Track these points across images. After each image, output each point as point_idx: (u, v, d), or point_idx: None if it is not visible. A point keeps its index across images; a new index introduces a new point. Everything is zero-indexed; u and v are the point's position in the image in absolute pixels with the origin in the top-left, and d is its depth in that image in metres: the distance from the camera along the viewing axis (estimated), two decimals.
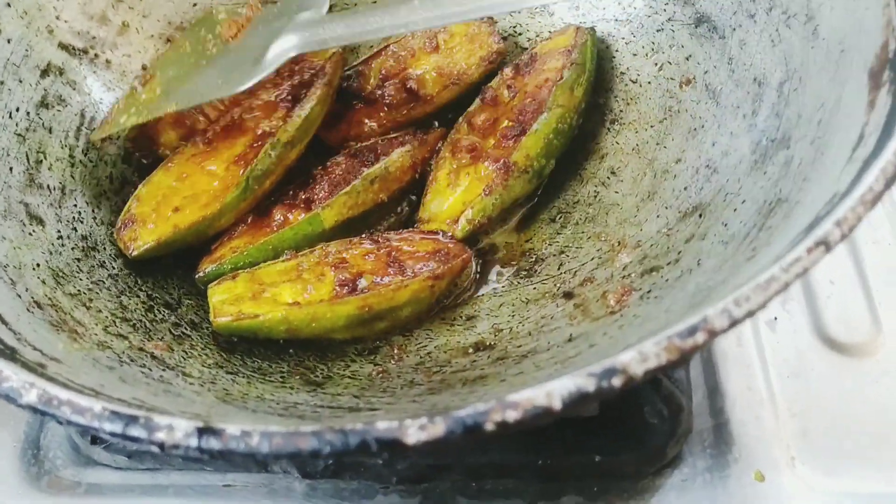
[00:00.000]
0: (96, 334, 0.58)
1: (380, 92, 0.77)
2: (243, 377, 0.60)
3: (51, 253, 0.64)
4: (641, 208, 0.67)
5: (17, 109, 0.69)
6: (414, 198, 0.74)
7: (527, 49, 0.80)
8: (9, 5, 0.70)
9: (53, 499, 0.67)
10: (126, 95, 0.75)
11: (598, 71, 0.76)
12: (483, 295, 0.69)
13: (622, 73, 0.75)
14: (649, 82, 0.73)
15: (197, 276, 0.69)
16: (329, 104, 0.74)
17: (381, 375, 0.61)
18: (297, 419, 0.51)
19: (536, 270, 0.69)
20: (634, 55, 0.75)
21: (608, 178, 0.72)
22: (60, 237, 0.65)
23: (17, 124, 0.68)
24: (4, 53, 0.69)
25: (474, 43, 0.79)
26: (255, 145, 0.71)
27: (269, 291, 0.64)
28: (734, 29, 0.66)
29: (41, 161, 0.68)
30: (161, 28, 0.79)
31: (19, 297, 0.57)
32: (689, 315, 0.41)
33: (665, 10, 0.73)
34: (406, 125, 0.77)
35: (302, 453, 0.39)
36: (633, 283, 0.61)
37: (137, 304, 0.65)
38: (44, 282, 0.60)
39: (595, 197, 0.72)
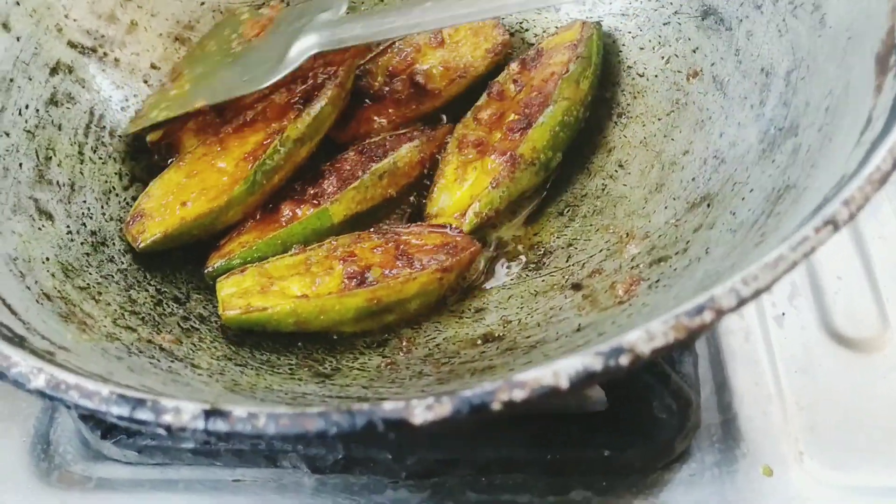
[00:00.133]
0: (105, 326, 0.58)
1: (387, 88, 0.78)
2: (252, 369, 0.60)
3: (60, 247, 0.64)
4: (649, 200, 0.67)
5: (27, 107, 0.69)
6: (422, 192, 0.74)
7: (533, 45, 0.80)
8: (18, 4, 0.71)
9: (63, 494, 0.67)
10: (157, 92, 0.77)
11: (605, 65, 0.76)
12: (492, 287, 0.69)
13: (629, 67, 0.75)
14: (656, 75, 0.73)
15: (206, 271, 0.69)
16: (341, 106, 0.74)
17: (389, 367, 0.61)
18: (304, 407, 0.51)
19: (545, 263, 0.69)
20: (641, 49, 0.75)
21: (616, 170, 0.72)
22: (70, 232, 0.66)
23: (26, 121, 0.69)
24: (14, 51, 0.70)
25: (479, 36, 0.79)
26: (265, 143, 0.71)
27: (277, 285, 0.64)
28: (741, 20, 0.66)
29: (51, 157, 0.69)
30: (169, 26, 0.80)
31: (28, 289, 0.57)
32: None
33: (671, 4, 0.73)
34: (414, 120, 0.77)
35: (308, 434, 0.39)
36: (641, 273, 0.61)
37: (146, 298, 0.65)
38: (53, 275, 0.60)
39: (603, 190, 0.72)
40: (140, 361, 0.55)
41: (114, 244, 0.68)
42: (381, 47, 0.80)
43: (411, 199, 0.74)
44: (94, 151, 0.72)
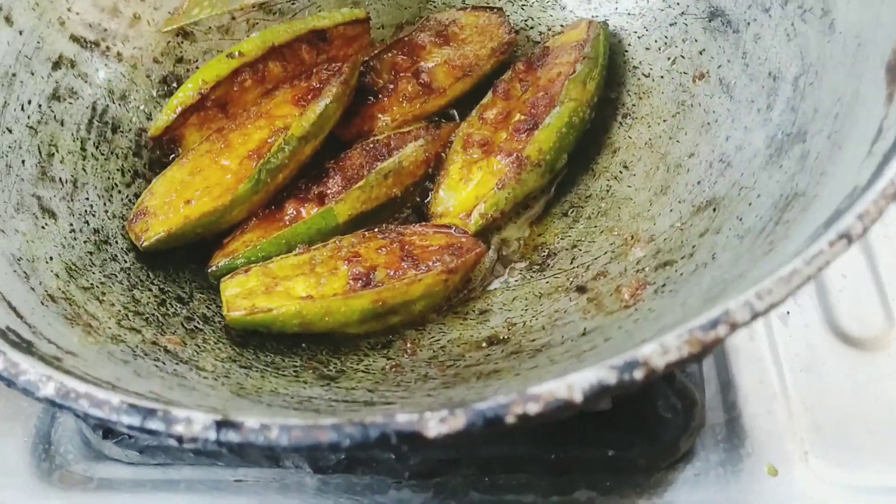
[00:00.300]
0: (110, 328, 0.58)
1: (392, 86, 0.77)
2: (257, 371, 0.59)
3: (63, 246, 0.63)
4: (654, 202, 0.67)
5: (30, 102, 0.69)
6: (427, 191, 0.74)
7: (539, 43, 0.80)
8: None
9: (65, 493, 0.67)
10: None
11: (611, 65, 0.76)
12: (496, 289, 0.69)
13: (635, 68, 0.75)
14: (662, 76, 0.73)
15: (209, 270, 0.69)
16: (346, 102, 0.74)
17: (394, 370, 0.61)
18: (313, 413, 0.51)
19: (549, 265, 0.69)
20: (647, 49, 0.75)
21: (621, 172, 0.72)
22: (73, 230, 0.65)
23: (28, 117, 0.68)
24: (16, 46, 0.69)
25: (485, 34, 0.79)
26: (269, 140, 0.70)
27: (282, 285, 0.64)
28: (748, 23, 0.66)
29: (53, 154, 0.68)
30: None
31: (33, 290, 0.57)
32: (706, 308, 0.41)
33: (678, 4, 0.73)
34: (419, 118, 0.77)
35: (321, 446, 0.39)
36: (647, 277, 0.60)
37: (150, 298, 0.65)
38: (57, 275, 0.60)
39: (608, 191, 0.72)
40: (146, 364, 0.54)
41: (117, 242, 0.68)
42: (387, 44, 0.80)
43: (416, 198, 0.74)
44: (97, 147, 0.72)
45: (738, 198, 0.59)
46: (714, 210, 0.61)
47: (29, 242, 0.61)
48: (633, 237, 0.66)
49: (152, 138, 0.74)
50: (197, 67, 0.78)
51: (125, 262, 0.67)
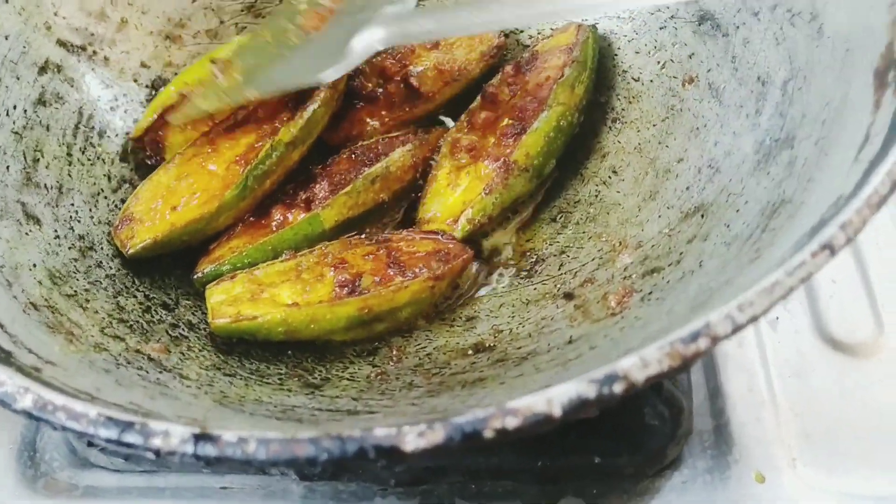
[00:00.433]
0: (93, 336, 0.58)
1: (381, 90, 0.77)
2: (241, 379, 0.59)
3: (47, 253, 0.63)
4: (643, 208, 0.67)
5: (15, 107, 0.68)
6: (414, 197, 0.73)
7: (528, 46, 0.79)
8: (6, 1, 0.69)
9: (50, 501, 0.66)
10: (204, 81, 0.74)
11: (600, 69, 0.75)
12: (483, 295, 0.68)
13: (624, 72, 0.75)
14: (651, 80, 0.73)
15: (195, 277, 0.68)
16: (334, 107, 0.73)
17: (379, 377, 0.61)
18: (294, 423, 0.51)
19: (537, 271, 0.69)
20: (637, 53, 0.74)
21: (609, 177, 0.72)
22: (57, 237, 0.65)
23: (14, 122, 0.68)
24: (2, 50, 0.69)
25: (474, 38, 0.78)
26: (257, 146, 0.70)
27: (267, 292, 0.64)
28: (738, 27, 0.66)
29: (38, 159, 0.68)
30: (160, 24, 0.78)
31: (15, 298, 0.56)
32: (692, 318, 0.41)
33: (668, 8, 0.72)
34: (408, 123, 0.76)
35: (299, 460, 0.39)
36: (634, 284, 0.60)
37: (135, 305, 0.64)
38: (40, 282, 0.60)
39: (596, 196, 0.71)
40: (128, 374, 0.54)
41: (102, 249, 0.67)
42: None
43: (404, 203, 0.73)
44: (83, 153, 0.71)
45: (726, 204, 0.59)
46: (702, 216, 0.61)
47: (12, 249, 0.60)
48: (621, 243, 0.66)
49: (134, 139, 0.74)
50: None
51: (110, 268, 0.67)
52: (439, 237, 0.68)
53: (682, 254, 0.59)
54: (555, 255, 0.69)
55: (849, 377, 0.69)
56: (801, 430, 0.67)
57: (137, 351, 0.58)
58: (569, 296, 0.64)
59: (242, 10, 0.82)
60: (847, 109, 0.52)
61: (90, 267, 0.65)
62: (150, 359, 0.58)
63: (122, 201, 0.71)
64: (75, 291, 0.62)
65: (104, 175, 0.72)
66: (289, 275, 0.65)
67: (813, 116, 0.55)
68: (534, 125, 0.69)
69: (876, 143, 0.47)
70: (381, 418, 0.52)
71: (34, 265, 0.61)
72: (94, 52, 0.75)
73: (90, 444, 0.66)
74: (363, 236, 0.69)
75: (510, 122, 0.71)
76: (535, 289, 0.67)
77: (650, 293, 0.58)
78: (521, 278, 0.69)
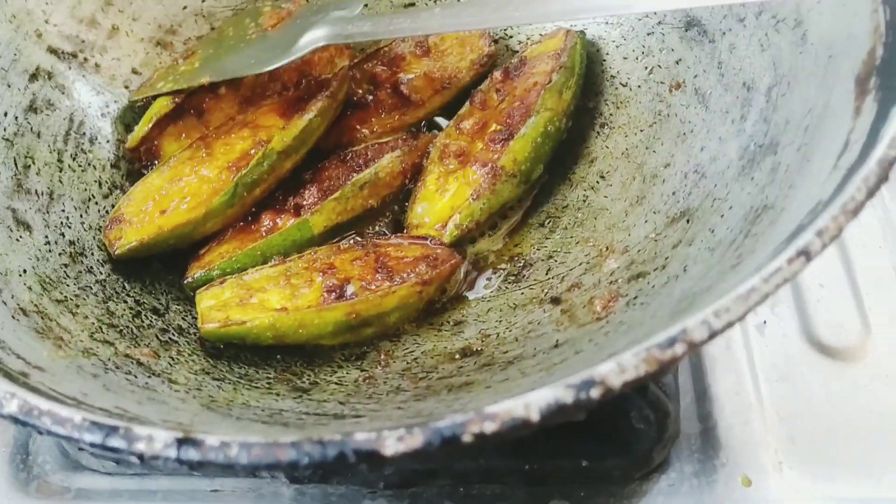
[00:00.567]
0: (82, 341, 0.58)
1: (371, 97, 0.77)
2: (229, 383, 0.60)
3: (38, 259, 0.63)
4: (630, 213, 0.67)
5: (6, 114, 0.69)
6: (404, 201, 0.74)
7: (517, 52, 0.80)
8: None
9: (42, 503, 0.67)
10: (167, 66, 0.78)
11: (588, 74, 0.76)
12: (471, 300, 0.69)
13: (612, 77, 0.75)
14: (639, 86, 0.73)
15: (185, 282, 0.69)
16: (331, 117, 0.74)
17: (367, 381, 0.61)
18: (280, 427, 0.51)
19: (524, 275, 0.69)
20: (625, 58, 0.75)
21: (597, 182, 0.72)
22: (48, 243, 0.65)
23: (4, 129, 0.68)
24: None
25: (465, 46, 0.79)
26: (251, 152, 0.70)
27: (256, 297, 0.64)
28: (724, 33, 0.66)
29: (29, 166, 0.68)
30: (151, 31, 0.79)
31: (4, 304, 0.57)
32: (672, 323, 0.41)
33: (655, 14, 0.73)
34: (398, 130, 0.77)
35: (280, 464, 0.39)
36: (619, 288, 0.61)
37: (125, 310, 0.65)
38: (30, 288, 0.60)
39: (584, 201, 0.72)
40: (116, 378, 0.54)
41: (92, 254, 0.68)
42: (365, 53, 0.80)
43: (393, 208, 0.74)
44: (74, 159, 0.72)
45: (711, 209, 0.59)
46: (688, 221, 0.61)
47: (2, 255, 0.61)
48: (608, 248, 0.66)
49: (130, 150, 0.74)
50: None
51: (100, 273, 0.67)
52: (428, 242, 0.69)
53: (667, 259, 0.59)
54: (542, 260, 0.69)
55: (836, 381, 0.70)
56: (787, 433, 0.67)
57: (126, 356, 0.59)
58: (556, 300, 0.64)
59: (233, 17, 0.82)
60: (829, 116, 0.52)
61: (80, 272, 0.65)
62: (139, 363, 0.58)
63: (113, 207, 0.71)
64: (65, 297, 0.62)
65: (95, 181, 0.72)
66: (278, 280, 0.65)
67: (796, 123, 0.55)
68: (521, 131, 0.70)
69: (854, 151, 0.47)
70: (367, 422, 0.52)
71: (24, 271, 0.61)
72: (86, 59, 0.75)
73: (82, 448, 0.66)
74: (352, 242, 0.69)
75: (498, 127, 0.71)
76: (522, 293, 0.67)
77: (635, 298, 0.58)
78: (509, 283, 0.69)
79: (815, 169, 0.50)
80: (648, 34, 0.73)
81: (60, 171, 0.70)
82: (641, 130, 0.71)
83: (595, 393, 0.39)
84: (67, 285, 0.63)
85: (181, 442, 0.40)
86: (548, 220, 0.72)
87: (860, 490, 0.64)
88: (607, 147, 0.73)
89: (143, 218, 0.68)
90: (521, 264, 0.70)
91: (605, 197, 0.70)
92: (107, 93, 0.76)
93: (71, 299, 0.62)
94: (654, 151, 0.69)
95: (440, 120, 0.80)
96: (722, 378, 0.70)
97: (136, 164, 0.75)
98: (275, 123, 0.72)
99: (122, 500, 0.67)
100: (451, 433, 0.38)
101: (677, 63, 0.71)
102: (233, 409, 0.55)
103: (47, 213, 0.67)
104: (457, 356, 0.63)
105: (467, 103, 0.76)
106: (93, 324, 0.61)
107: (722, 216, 0.57)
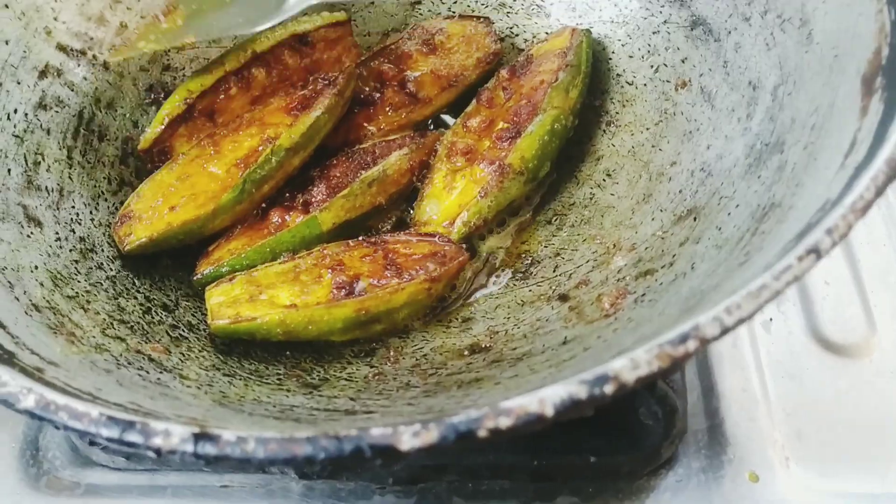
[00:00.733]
0: (94, 337, 0.58)
1: (378, 95, 0.77)
2: (240, 379, 0.60)
3: (49, 255, 0.64)
4: (637, 211, 0.68)
5: (16, 111, 0.69)
6: (412, 199, 0.74)
7: (524, 50, 0.80)
8: (6, 6, 0.70)
9: (52, 499, 0.67)
10: (146, 24, 0.76)
11: (594, 73, 0.76)
12: (479, 297, 0.69)
13: (618, 76, 0.75)
14: (645, 84, 0.73)
15: (194, 278, 0.69)
16: (339, 114, 0.74)
17: (377, 378, 0.62)
18: (293, 422, 0.52)
19: (532, 273, 0.69)
20: (630, 57, 0.75)
21: (604, 180, 0.72)
22: (59, 239, 0.66)
23: (15, 126, 0.68)
24: (2, 55, 0.69)
25: (471, 44, 0.79)
26: (259, 149, 0.71)
27: (266, 293, 0.64)
28: (729, 32, 0.67)
29: (39, 162, 0.68)
30: None
31: (17, 300, 0.57)
32: (682, 320, 0.42)
33: (661, 13, 0.73)
34: (405, 128, 0.77)
35: (297, 459, 0.40)
36: (627, 285, 0.61)
37: (135, 306, 0.65)
38: (42, 284, 0.60)
39: (591, 199, 0.72)
40: (129, 374, 0.55)
41: (103, 251, 0.68)
42: (373, 51, 0.80)
43: (401, 205, 0.74)
44: (83, 155, 0.72)
45: (717, 207, 0.60)
46: (694, 219, 0.61)
47: (14, 251, 0.61)
48: (615, 245, 0.66)
49: (142, 151, 0.74)
50: (184, 75, 0.79)
51: (111, 270, 0.67)
52: (436, 239, 0.69)
53: (674, 256, 0.60)
54: (550, 257, 0.70)
55: (842, 377, 0.70)
56: (794, 429, 0.68)
57: (138, 351, 0.59)
58: (563, 297, 0.65)
59: None
60: (835, 115, 0.52)
61: (91, 269, 0.66)
62: (151, 359, 0.59)
63: (122, 203, 0.71)
64: (76, 293, 0.62)
65: (104, 178, 0.73)
66: (287, 276, 0.66)
67: (802, 121, 0.55)
68: (528, 129, 0.70)
69: (861, 150, 0.47)
70: (379, 418, 0.52)
71: (36, 267, 0.62)
72: (94, 57, 0.75)
73: (92, 443, 0.67)
74: (361, 238, 0.69)
75: (505, 125, 0.72)
76: (530, 290, 0.68)
77: (643, 295, 0.58)
78: (517, 280, 0.69)
79: (823, 167, 0.50)
80: (654, 33, 0.74)
81: (70, 168, 0.70)
82: (647, 129, 0.72)
83: (609, 389, 0.39)
84: (78, 281, 0.64)
85: (198, 437, 0.41)
86: (555, 218, 0.73)
87: (866, 485, 0.65)
88: (614, 145, 0.74)
89: (152, 214, 0.69)
90: (529, 261, 0.70)
91: (612, 195, 0.71)
92: (116, 90, 0.76)
93: (82, 295, 0.62)
94: (660, 149, 0.69)
95: (447, 117, 0.80)
96: (729, 375, 0.70)
97: (147, 164, 0.74)
98: (282, 121, 0.72)
99: (132, 496, 0.67)
100: (467, 428, 0.39)
101: (683, 62, 0.71)
102: (244, 404, 0.55)
103: (58, 209, 0.67)
104: (465, 353, 0.63)
105: (474, 101, 0.76)
106: (104, 320, 0.61)
107: (729, 214, 0.58)
